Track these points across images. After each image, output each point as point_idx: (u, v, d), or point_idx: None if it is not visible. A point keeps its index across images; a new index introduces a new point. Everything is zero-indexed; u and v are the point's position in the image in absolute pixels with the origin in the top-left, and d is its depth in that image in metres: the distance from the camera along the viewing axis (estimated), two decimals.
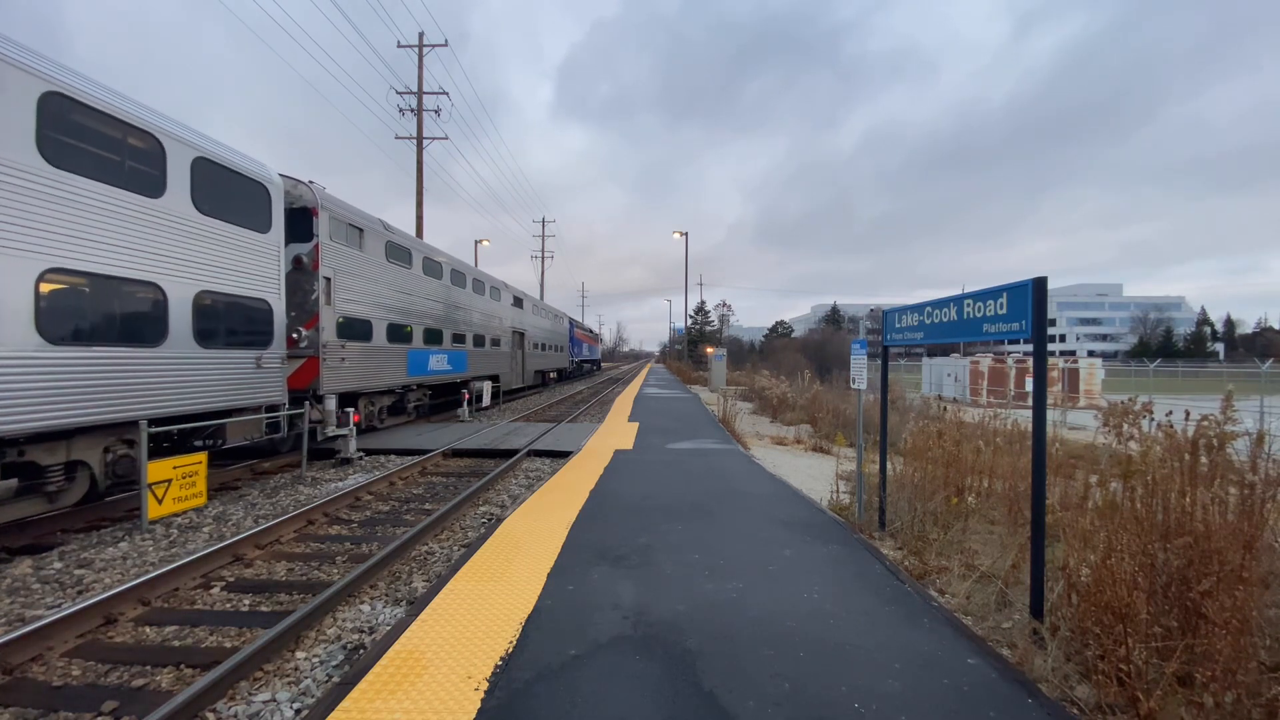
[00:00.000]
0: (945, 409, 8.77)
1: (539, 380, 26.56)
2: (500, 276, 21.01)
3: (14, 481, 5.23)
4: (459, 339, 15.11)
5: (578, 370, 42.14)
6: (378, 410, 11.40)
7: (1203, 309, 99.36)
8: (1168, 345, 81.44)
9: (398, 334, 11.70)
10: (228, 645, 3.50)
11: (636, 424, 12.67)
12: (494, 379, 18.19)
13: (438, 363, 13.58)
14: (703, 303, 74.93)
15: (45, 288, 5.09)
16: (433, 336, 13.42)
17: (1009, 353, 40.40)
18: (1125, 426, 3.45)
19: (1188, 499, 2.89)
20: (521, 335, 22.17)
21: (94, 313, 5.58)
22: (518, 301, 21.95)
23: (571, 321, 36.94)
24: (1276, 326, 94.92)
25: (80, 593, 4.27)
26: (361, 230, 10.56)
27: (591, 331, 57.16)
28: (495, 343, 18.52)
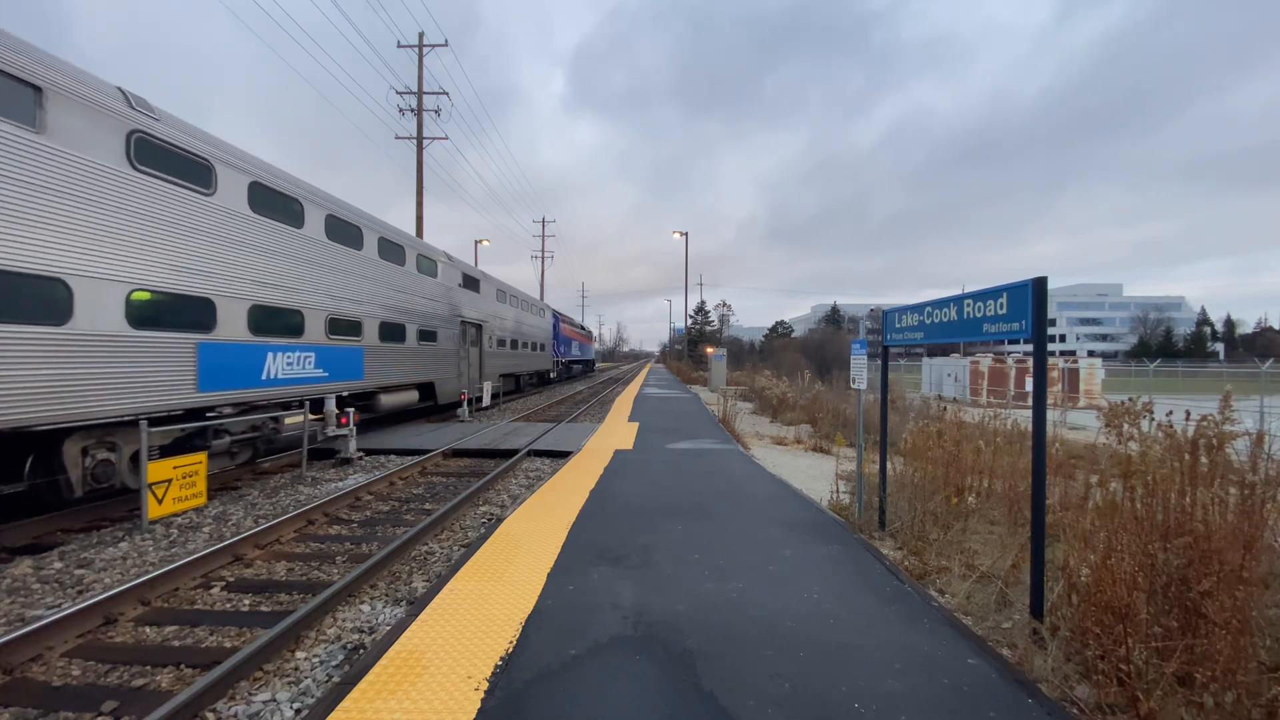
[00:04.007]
0: (945, 409, 8.77)
1: (510, 386, 21.25)
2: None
3: None
4: (344, 328, 9.67)
5: (566, 373, 36.32)
6: (124, 458, 6.13)
7: (1203, 309, 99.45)
8: (1168, 345, 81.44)
9: (169, 315, 6.40)
10: (228, 645, 3.50)
11: (636, 424, 12.67)
12: (424, 387, 13.00)
13: (286, 364, 8.21)
14: (703, 303, 74.96)
15: None
16: (278, 321, 8.13)
17: (1009, 353, 40.40)
18: (1125, 426, 3.45)
19: (1188, 499, 2.89)
20: (478, 328, 16.78)
21: None
22: (470, 282, 16.24)
23: (557, 315, 31.63)
24: (1276, 326, 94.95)
25: (80, 593, 4.27)
26: (38, 91, 5.17)
27: (584, 328, 48.99)
28: (427, 336, 12.95)
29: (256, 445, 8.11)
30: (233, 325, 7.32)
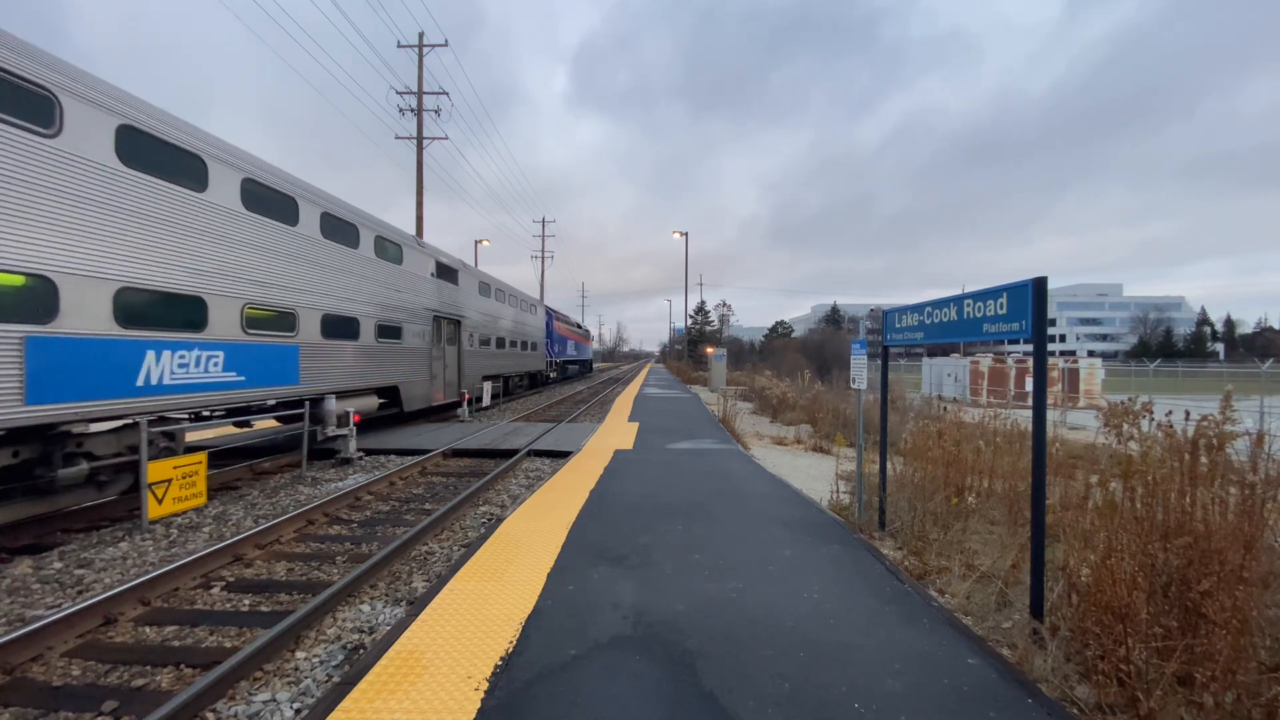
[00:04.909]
0: (945, 409, 8.77)
1: (498, 388, 19.24)
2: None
3: None
4: (270, 321, 7.95)
5: (561, 373, 34.12)
6: None
7: (1203, 309, 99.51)
8: (1168, 345, 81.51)
9: None
10: (228, 645, 3.50)
11: (636, 424, 12.67)
12: (386, 393, 11.36)
13: (178, 366, 6.41)
14: (703, 303, 75.05)
15: None
16: (165, 310, 6.34)
17: (1009, 353, 40.41)
18: (1125, 426, 3.45)
19: (1188, 499, 2.89)
20: (456, 324, 15.02)
21: None
22: (445, 273, 14.36)
23: (550, 312, 29.95)
24: (1277, 326, 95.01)
25: (80, 593, 4.27)
26: None
27: (580, 327, 46.02)
28: (388, 333, 11.21)
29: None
30: (87, 314, 5.45)
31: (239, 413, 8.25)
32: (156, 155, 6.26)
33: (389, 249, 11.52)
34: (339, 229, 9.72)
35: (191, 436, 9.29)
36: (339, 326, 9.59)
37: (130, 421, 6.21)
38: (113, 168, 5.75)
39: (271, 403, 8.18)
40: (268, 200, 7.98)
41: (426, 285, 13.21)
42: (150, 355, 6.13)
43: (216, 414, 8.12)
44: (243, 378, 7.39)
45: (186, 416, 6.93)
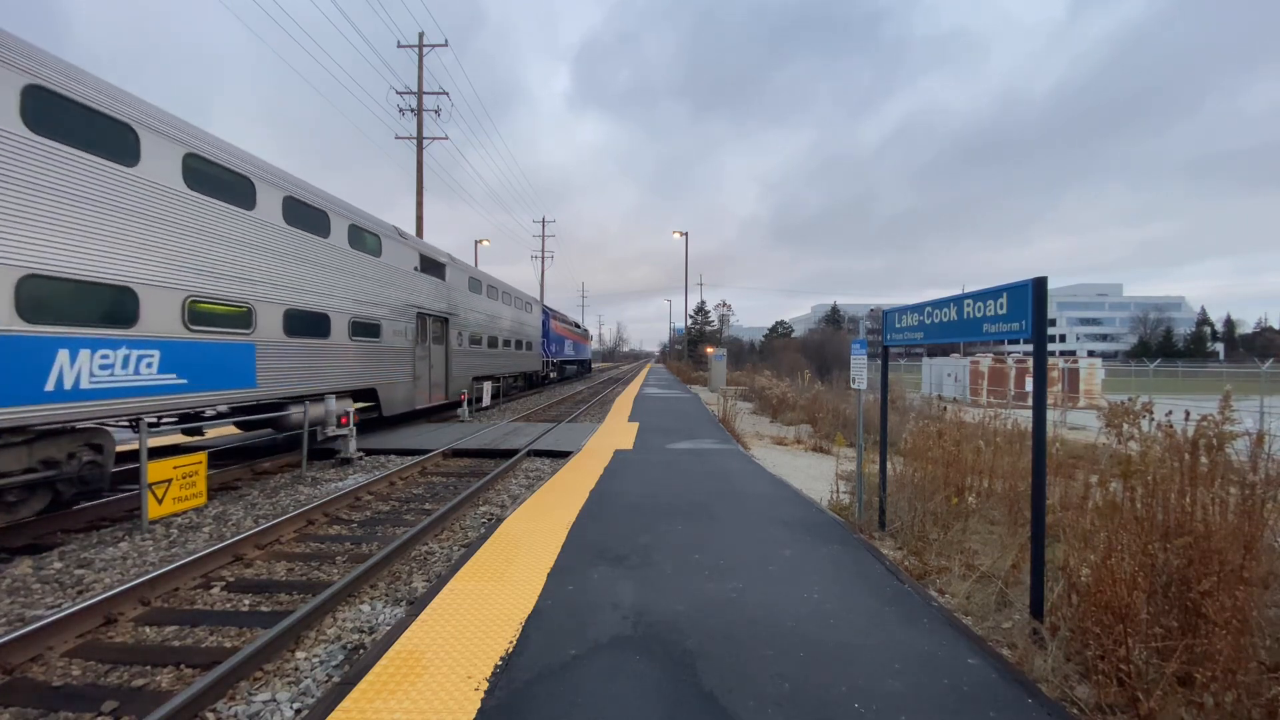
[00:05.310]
0: (945, 409, 8.77)
1: (496, 388, 18.48)
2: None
3: None
4: (219, 317, 7.08)
5: (560, 374, 33.35)
6: None
7: (1203, 309, 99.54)
8: (1168, 345, 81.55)
9: None
10: (228, 645, 3.50)
11: (636, 424, 12.68)
12: (363, 396, 10.56)
13: (101, 368, 5.60)
14: (703, 303, 75.10)
15: None
16: (87, 304, 5.54)
17: (1009, 353, 40.42)
18: (1125, 426, 3.45)
19: (1188, 499, 2.89)
20: (443, 321, 14.15)
21: None
22: (431, 266, 13.50)
23: (548, 311, 29.25)
24: (1277, 326, 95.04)
25: (80, 593, 4.27)
26: None
27: (579, 327, 44.72)
28: (364, 330, 10.33)
29: (58, 487, 5.62)
30: None
31: (187, 419, 7.65)
32: (74, 122, 5.43)
33: (366, 239, 10.59)
34: (306, 215, 8.81)
35: (189, 438, 9.35)
36: (305, 323, 8.70)
37: (41, 431, 5.35)
38: (16, 134, 4.92)
39: (224, 408, 7.42)
40: (217, 180, 7.07)
41: (409, 280, 12.31)
42: (64, 355, 5.27)
43: (166, 421, 7.49)
44: (185, 380, 6.52)
45: (127, 424, 6.24)
